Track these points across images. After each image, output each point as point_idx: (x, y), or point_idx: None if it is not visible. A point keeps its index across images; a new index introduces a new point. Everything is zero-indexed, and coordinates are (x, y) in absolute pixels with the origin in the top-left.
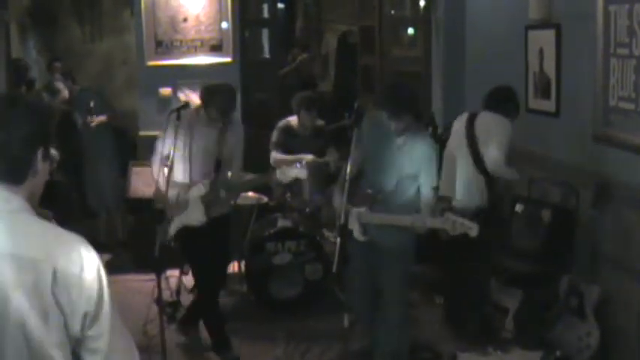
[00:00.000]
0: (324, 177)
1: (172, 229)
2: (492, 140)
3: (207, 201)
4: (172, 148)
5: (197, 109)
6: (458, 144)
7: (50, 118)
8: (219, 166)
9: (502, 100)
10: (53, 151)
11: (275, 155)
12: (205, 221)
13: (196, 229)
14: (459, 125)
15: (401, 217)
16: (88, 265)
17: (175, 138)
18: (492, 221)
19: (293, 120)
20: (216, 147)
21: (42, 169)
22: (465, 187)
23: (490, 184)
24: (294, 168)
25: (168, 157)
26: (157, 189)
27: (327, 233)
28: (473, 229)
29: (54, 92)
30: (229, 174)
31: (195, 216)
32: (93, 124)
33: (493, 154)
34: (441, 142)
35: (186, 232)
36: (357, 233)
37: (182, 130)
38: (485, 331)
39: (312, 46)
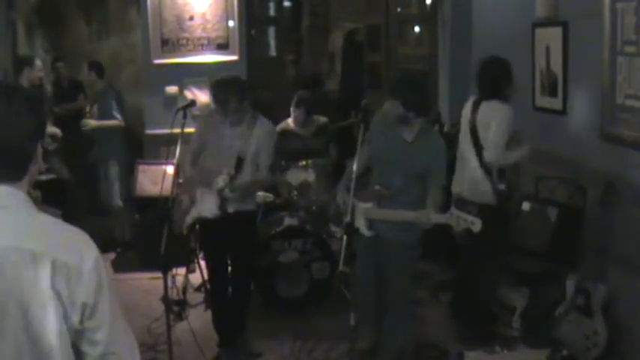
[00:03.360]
0: (328, 175)
1: (189, 219)
2: (490, 133)
3: (222, 195)
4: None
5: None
6: (463, 133)
7: (45, 105)
8: (240, 163)
9: (494, 87)
10: (55, 129)
11: None
12: (219, 215)
13: (211, 221)
14: (465, 113)
15: (405, 212)
16: (87, 256)
17: (201, 133)
18: (500, 220)
19: (291, 121)
20: (237, 144)
21: (38, 157)
22: (470, 179)
23: (495, 179)
24: (302, 171)
25: (198, 153)
26: (185, 183)
27: (333, 228)
28: (476, 225)
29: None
30: (259, 172)
31: (208, 208)
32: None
33: (490, 149)
34: (447, 139)
35: (200, 223)
36: (363, 229)
37: (203, 127)
38: (492, 330)
39: (318, 44)
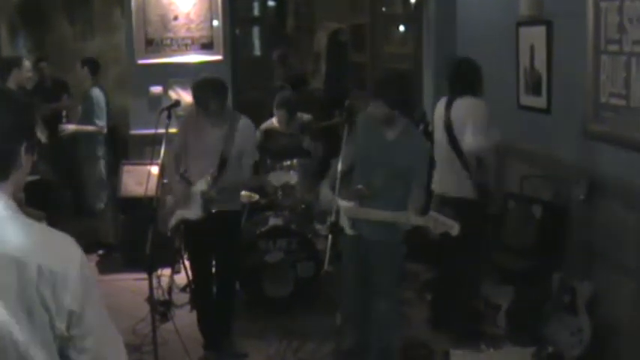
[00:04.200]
0: (314, 174)
1: (172, 221)
2: (469, 125)
3: (207, 197)
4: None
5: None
6: (439, 133)
7: (33, 109)
8: (224, 164)
9: (468, 84)
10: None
11: None
12: (203, 216)
13: (195, 222)
14: (437, 113)
15: (384, 212)
16: (73, 262)
17: (184, 133)
18: (479, 215)
19: (275, 120)
20: (219, 145)
21: (25, 163)
22: (448, 176)
23: (473, 174)
24: (285, 172)
25: (179, 154)
26: (169, 184)
27: (318, 226)
28: (454, 228)
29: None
30: (243, 171)
31: (192, 210)
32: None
33: (469, 139)
34: (432, 139)
35: (184, 225)
36: (346, 228)
37: (185, 127)
38: (474, 330)
39: (303, 44)
